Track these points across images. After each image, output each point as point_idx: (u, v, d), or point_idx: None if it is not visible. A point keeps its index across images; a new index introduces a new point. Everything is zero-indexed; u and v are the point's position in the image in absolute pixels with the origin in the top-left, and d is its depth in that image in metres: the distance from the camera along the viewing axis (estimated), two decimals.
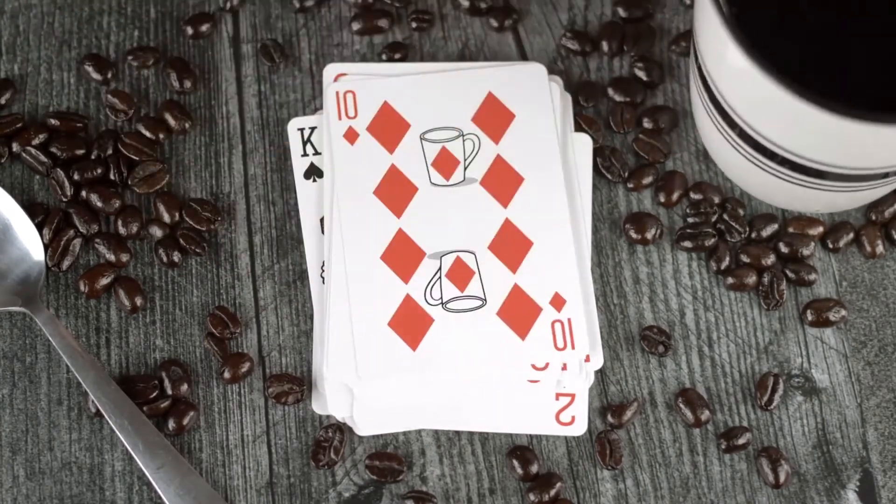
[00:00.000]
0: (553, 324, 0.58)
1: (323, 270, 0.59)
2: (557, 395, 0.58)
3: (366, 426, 0.57)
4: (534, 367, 0.57)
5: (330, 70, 0.63)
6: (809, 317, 0.59)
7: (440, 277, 0.58)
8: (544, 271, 0.58)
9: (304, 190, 0.61)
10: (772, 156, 0.55)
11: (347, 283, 0.58)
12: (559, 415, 0.58)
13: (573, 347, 0.57)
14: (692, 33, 0.56)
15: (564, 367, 0.57)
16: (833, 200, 0.59)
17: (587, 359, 0.58)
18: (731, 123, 0.56)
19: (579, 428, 0.58)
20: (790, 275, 0.60)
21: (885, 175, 0.56)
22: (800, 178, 0.56)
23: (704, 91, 0.56)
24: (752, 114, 0.54)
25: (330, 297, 0.58)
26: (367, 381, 0.57)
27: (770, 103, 0.52)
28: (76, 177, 0.61)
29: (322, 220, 0.60)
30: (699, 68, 0.56)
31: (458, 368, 0.57)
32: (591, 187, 0.61)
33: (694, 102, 0.60)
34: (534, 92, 0.61)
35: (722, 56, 0.53)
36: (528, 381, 0.57)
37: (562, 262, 0.59)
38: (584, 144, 0.61)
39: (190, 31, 0.64)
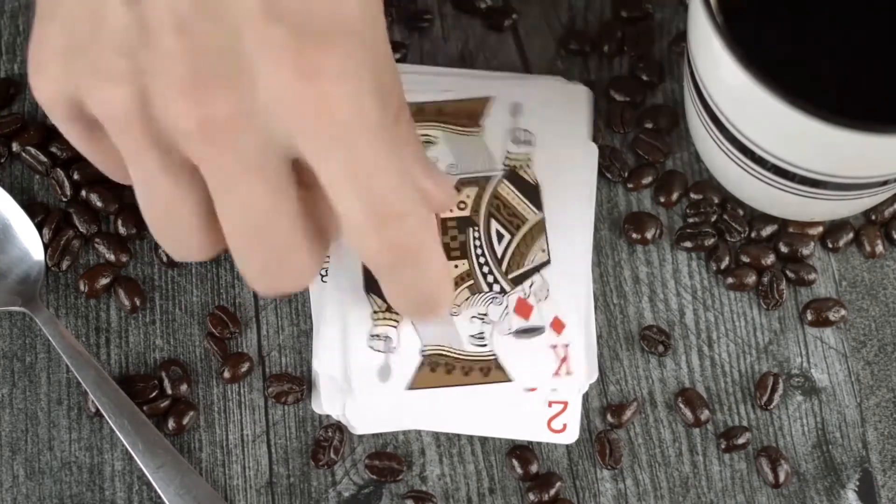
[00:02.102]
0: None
1: (321, 267, 0.59)
2: (550, 403, 0.58)
3: (360, 425, 0.57)
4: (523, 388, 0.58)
5: None
6: (809, 316, 0.59)
7: None
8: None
9: None
10: (768, 166, 0.55)
11: (342, 302, 0.58)
12: (551, 422, 0.58)
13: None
14: (686, 42, 0.56)
15: (554, 390, 0.57)
16: (833, 209, 0.59)
17: (568, 371, 0.58)
18: (726, 133, 0.56)
19: (571, 436, 0.57)
20: (790, 274, 0.60)
21: (885, 182, 0.55)
22: (797, 188, 0.56)
23: (699, 100, 0.56)
24: (747, 124, 0.54)
25: (326, 290, 0.58)
26: (359, 395, 0.57)
27: (766, 114, 0.52)
28: (76, 176, 0.61)
29: None
30: (693, 77, 0.56)
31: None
32: (595, 188, 0.61)
33: (688, 111, 0.60)
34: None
35: (716, 66, 0.53)
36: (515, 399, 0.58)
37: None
38: (591, 155, 0.62)
39: None
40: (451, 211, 0.59)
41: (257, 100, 0.44)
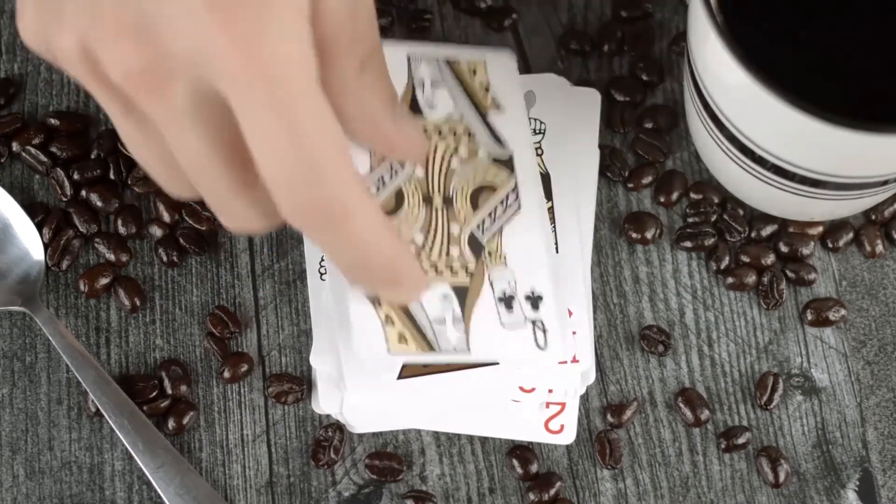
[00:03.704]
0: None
1: (321, 266, 0.59)
2: (548, 404, 0.58)
3: (358, 424, 0.57)
4: (521, 388, 0.57)
5: None
6: (809, 316, 0.59)
7: None
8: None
9: None
10: (768, 166, 0.55)
11: (337, 295, 0.58)
12: (548, 423, 0.58)
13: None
14: (686, 42, 0.56)
15: (550, 391, 0.57)
16: (833, 209, 0.59)
17: (574, 359, 0.57)
18: (726, 133, 0.56)
19: (568, 437, 0.57)
20: (790, 274, 0.60)
21: (885, 182, 0.56)
22: (797, 188, 0.56)
23: (699, 100, 0.56)
24: (747, 124, 0.54)
25: (326, 287, 0.58)
26: (354, 393, 0.57)
27: (766, 114, 0.52)
28: (76, 176, 0.61)
29: None
30: (693, 77, 0.56)
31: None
32: (596, 188, 0.61)
33: (688, 110, 0.60)
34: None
35: (716, 66, 0.53)
36: (512, 400, 0.57)
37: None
38: (593, 152, 0.61)
39: None
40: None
41: (175, 48, 0.42)
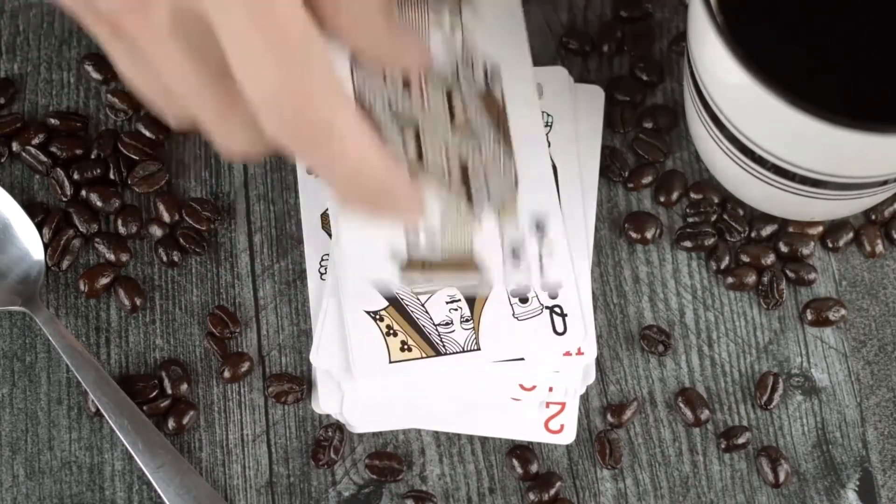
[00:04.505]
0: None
1: (321, 266, 0.59)
2: (548, 404, 0.58)
3: (357, 423, 0.57)
4: (521, 386, 0.57)
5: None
6: (809, 316, 0.59)
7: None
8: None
9: (306, 185, 0.61)
10: (768, 166, 0.55)
11: (341, 283, 0.58)
12: (548, 423, 0.58)
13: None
14: (686, 42, 0.56)
15: (551, 389, 0.57)
16: (833, 209, 0.59)
17: (579, 351, 0.57)
18: (726, 133, 0.56)
19: (568, 436, 0.57)
20: (790, 274, 0.60)
21: (885, 182, 0.56)
22: (797, 188, 0.56)
23: (699, 100, 0.56)
24: (747, 124, 0.54)
25: (327, 287, 0.58)
26: (361, 379, 0.57)
27: (766, 114, 0.52)
28: (76, 176, 0.61)
29: (322, 214, 0.60)
30: (693, 77, 0.56)
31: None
32: (596, 188, 0.61)
33: (688, 111, 0.60)
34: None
35: (716, 66, 0.53)
36: (512, 398, 0.57)
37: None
38: (593, 147, 0.61)
39: None
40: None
41: None
